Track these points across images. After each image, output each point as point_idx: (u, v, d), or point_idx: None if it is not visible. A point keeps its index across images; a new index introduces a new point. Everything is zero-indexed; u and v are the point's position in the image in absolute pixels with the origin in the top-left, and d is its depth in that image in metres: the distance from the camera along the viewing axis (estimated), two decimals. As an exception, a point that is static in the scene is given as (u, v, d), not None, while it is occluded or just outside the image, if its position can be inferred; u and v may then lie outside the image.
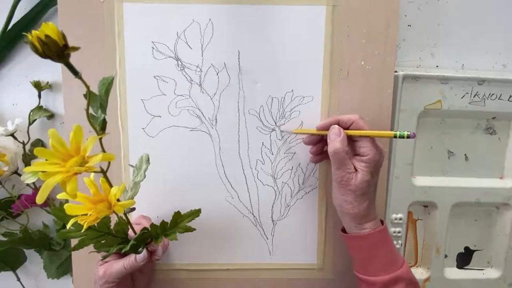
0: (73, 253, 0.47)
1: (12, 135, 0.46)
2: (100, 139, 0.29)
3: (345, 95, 0.46)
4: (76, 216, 0.30)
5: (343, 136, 0.39)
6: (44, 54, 0.25)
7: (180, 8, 0.44)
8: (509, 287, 0.53)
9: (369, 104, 0.46)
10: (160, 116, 0.45)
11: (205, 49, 0.45)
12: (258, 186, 0.47)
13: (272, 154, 0.47)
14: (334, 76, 0.45)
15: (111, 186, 0.31)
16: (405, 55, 0.49)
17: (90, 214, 0.29)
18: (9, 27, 0.46)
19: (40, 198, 0.26)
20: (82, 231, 0.30)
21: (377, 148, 0.39)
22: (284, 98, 0.46)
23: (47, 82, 0.48)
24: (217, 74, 0.45)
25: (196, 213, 0.40)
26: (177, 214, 0.39)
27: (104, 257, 0.37)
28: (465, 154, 0.51)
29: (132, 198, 0.36)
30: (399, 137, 0.38)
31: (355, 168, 0.39)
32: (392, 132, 0.38)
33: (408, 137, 0.37)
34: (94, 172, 0.29)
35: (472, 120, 0.50)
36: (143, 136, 0.46)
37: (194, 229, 0.39)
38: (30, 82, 0.47)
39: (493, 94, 0.48)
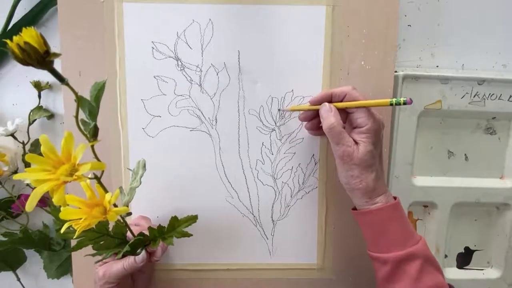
0: (73, 253, 0.47)
1: (12, 135, 0.46)
2: (92, 146, 0.28)
3: (345, 95, 0.46)
4: (70, 220, 0.30)
5: (335, 110, 0.38)
6: (25, 62, 0.24)
7: (180, 8, 0.44)
8: (509, 287, 0.53)
9: (369, 104, 0.46)
10: (160, 116, 0.45)
11: (205, 49, 0.45)
12: (258, 186, 0.47)
13: (272, 154, 0.47)
14: (334, 76, 0.45)
15: (106, 191, 0.31)
16: (405, 55, 0.49)
17: (83, 219, 0.29)
18: (9, 27, 0.46)
19: (29, 206, 0.26)
20: (75, 235, 0.30)
21: (374, 117, 0.38)
22: (284, 98, 0.46)
23: (47, 82, 0.48)
24: (217, 74, 0.45)
25: (193, 218, 0.40)
26: (174, 219, 0.39)
27: (101, 260, 0.37)
28: (465, 154, 0.51)
29: (128, 203, 0.36)
30: (396, 104, 0.36)
31: (355, 141, 0.38)
32: (388, 100, 0.36)
33: (405, 103, 0.35)
34: (86, 179, 0.29)
35: (472, 120, 0.50)
36: (143, 136, 0.45)
37: (191, 235, 0.39)
38: (30, 82, 0.47)
39: (493, 94, 0.48)
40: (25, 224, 0.48)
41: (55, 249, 0.49)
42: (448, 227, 0.51)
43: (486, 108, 0.48)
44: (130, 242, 0.36)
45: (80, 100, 0.27)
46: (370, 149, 0.37)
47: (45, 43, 0.24)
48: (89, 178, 0.30)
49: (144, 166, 0.37)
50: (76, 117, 0.28)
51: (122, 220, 0.36)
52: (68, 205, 0.29)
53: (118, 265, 0.38)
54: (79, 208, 0.30)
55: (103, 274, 0.38)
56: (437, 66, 0.50)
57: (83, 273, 0.47)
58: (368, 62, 0.45)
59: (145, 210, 0.46)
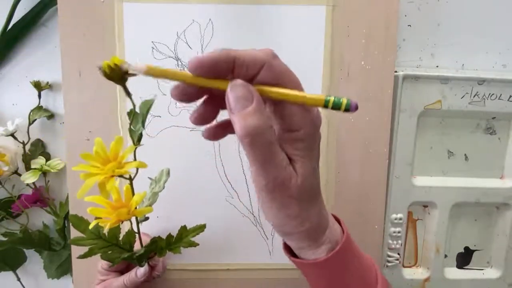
0: (73, 253, 0.47)
1: (12, 135, 0.46)
2: (134, 149, 0.33)
3: (345, 95, 0.45)
4: (96, 219, 0.32)
5: (258, 99, 0.22)
6: (109, 77, 0.29)
7: (180, 8, 0.44)
8: (509, 287, 0.53)
9: (369, 104, 0.46)
10: (160, 116, 0.45)
11: (205, 49, 0.45)
12: (258, 186, 0.47)
13: (272, 154, 0.47)
14: (334, 76, 0.45)
15: (133, 193, 0.34)
16: (405, 55, 0.49)
17: (114, 216, 0.32)
18: (9, 27, 0.46)
19: (80, 194, 0.29)
20: (105, 230, 0.32)
21: (312, 112, 0.24)
22: (284, 98, 0.46)
23: (47, 82, 0.48)
24: (217, 74, 0.45)
25: (201, 228, 0.40)
26: (183, 229, 0.39)
27: (112, 265, 0.38)
28: (465, 154, 0.51)
29: (150, 206, 0.37)
30: (332, 106, 0.22)
31: (288, 156, 0.24)
32: (322, 96, 0.23)
33: (347, 109, 0.22)
34: (130, 174, 0.33)
35: (472, 120, 0.50)
36: (143, 136, 0.45)
37: (198, 244, 0.39)
38: (30, 82, 0.47)
39: (493, 94, 0.48)
40: (25, 224, 0.48)
41: (55, 249, 0.49)
42: (448, 227, 0.51)
43: (486, 108, 0.48)
44: (146, 244, 0.37)
45: (134, 114, 0.33)
46: (312, 168, 0.24)
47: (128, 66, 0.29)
48: (127, 178, 0.33)
49: (168, 173, 0.39)
50: (130, 126, 0.33)
51: (136, 228, 0.36)
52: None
53: (119, 282, 0.38)
54: (105, 208, 0.32)
55: None
56: (437, 66, 0.50)
57: (83, 273, 0.47)
58: (368, 62, 0.45)
59: (145, 210, 0.46)
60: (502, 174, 0.52)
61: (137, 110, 0.33)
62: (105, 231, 0.33)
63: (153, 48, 0.44)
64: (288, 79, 0.23)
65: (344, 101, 0.22)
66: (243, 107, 0.21)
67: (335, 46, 0.45)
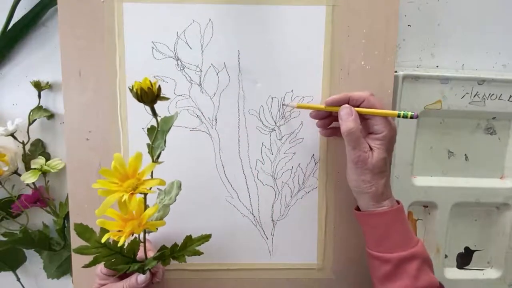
0: (73, 255, 0.47)
1: (12, 135, 0.46)
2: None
3: (345, 95, 0.46)
4: (106, 231, 0.32)
5: (355, 115, 0.39)
6: (140, 99, 0.32)
7: (180, 8, 0.44)
8: (509, 287, 0.53)
9: (369, 104, 0.46)
10: (160, 116, 0.45)
11: (205, 49, 0.45)
12: (258, 186, 0.47)
13: (272, 154, 0.47)
14: (334, 76, 0.45)
15: (146, 207, 0.34)
16: (405, 55, 0.49)
17: (127, 229, 0.32)
18: (9, 27, 0.46)
19: (100, 212, 0.30)
20: (119, 244, 0.32)
21: (391, 125, 0.40)
22: (284, 98, 0.46)
23: (47, 82, 0.48)
24: (217, 74, 0.45)
25: (206, 237, 0.40)
26: (188, 238, 0.39)
27: (118, 273, 0.38)
28: (465, 154, 0.51)
29: (162, 219, 0.37)
30: (403, 116, 0.39)
31: (370, 147, 0.39)
32: (396, 112, 0.39)
33: (411, 117, 0.38)
34: (149, 192, 0.32)
35: (472, 120, 0.50)
36: (143, 136, 0.45)
37: (202, 253, 0.39)
38: (30, 82, 0.47)
39: (493, 94, 0.48)
40: (25, 224, 0.48)
41: (55, 249, 0.49)
42: (448, 227, 0.51)
43: (486, 108, 0.48)
44: (155, 254, 0.37)
45: (157, 132, 0.34)
46: (383, 156, 0.39)
47: (159, 88, 0.33)
48: (143, 194, 0.33)
49: (180, 186, 0.38)
50: (151, 144, 0.34)
51: (143, 238, 0.36)
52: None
53: (118, 286, 0.38)
54: (116, 221, 0.33)
55: None
56: (437, 66, 0.50)
57: (83, 273, 0.47)
58: (368, 62, 0.45)
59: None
60: (502, 174, 0.52)
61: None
62: (119, 244, 0.32)
63: (153, 48, 0.44)
64: (378, 105, 0.40)
65: (409, 113, 0.39)
66: (347, 117, 0.39)
67: (335, 46, 0.45)
